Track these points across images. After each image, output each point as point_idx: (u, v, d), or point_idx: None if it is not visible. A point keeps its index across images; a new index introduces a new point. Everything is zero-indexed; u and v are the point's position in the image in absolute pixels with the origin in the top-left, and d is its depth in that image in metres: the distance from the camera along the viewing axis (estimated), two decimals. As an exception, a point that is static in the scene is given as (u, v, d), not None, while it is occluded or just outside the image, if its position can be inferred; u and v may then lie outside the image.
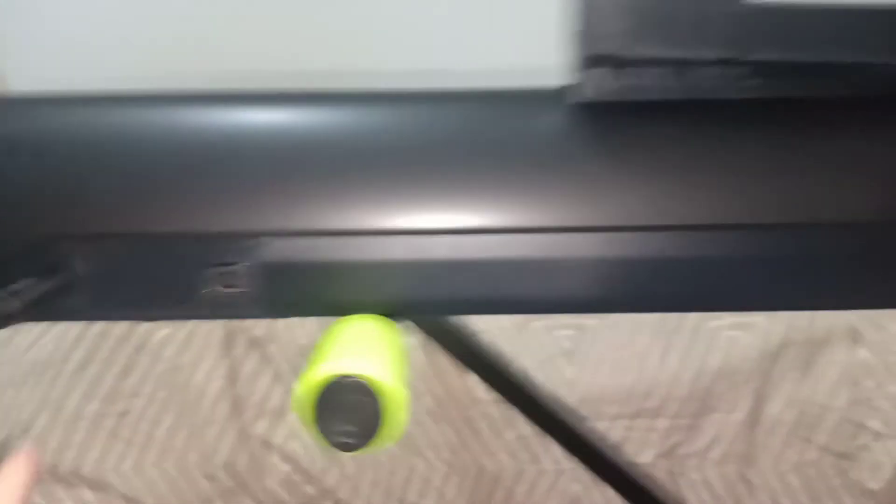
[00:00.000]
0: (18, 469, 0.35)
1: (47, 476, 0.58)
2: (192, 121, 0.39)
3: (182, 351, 0.59)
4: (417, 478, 0.62)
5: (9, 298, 0.36)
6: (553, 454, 0.61)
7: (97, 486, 0.59)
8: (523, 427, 0.60)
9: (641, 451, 0.60)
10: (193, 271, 0.40)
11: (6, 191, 0.37)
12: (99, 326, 0.58)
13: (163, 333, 0.59)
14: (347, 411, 0.36)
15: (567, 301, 0.41)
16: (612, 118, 0.37)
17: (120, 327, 0.58)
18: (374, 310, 0.42)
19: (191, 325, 0.59)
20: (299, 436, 0.60)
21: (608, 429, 0.60)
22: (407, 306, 0.41)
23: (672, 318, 0.60)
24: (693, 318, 0.60)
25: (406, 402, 0.38)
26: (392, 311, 0.42)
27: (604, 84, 0.35)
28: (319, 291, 0.40)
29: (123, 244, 0.40)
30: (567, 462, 0.61)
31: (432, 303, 0.41)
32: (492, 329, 0.58)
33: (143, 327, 0.59)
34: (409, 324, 0.46)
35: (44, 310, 0.39)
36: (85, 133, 0.38)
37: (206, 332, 0.59)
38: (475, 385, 0.60)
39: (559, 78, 0.37)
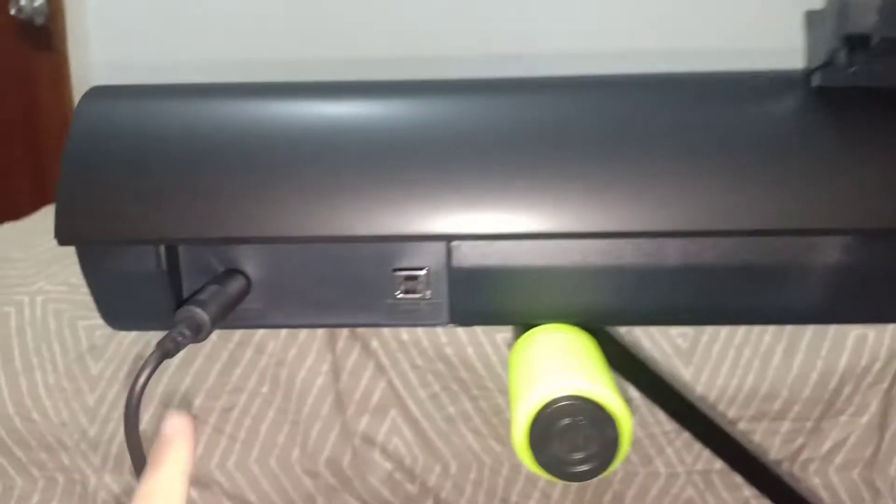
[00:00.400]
0: (180, 448, 0.36)
1: (152, 472, 0.58)
2: (358, 114, 0.37)
3: (286, 346, 0.58)
4: (522, 478, 0.60)
5: (198, 310, 0.36)
6: (666, 457, 0.58)
7: (200, 483, 0.58)
8: (635, 427, 0.58)
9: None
10: (376, 277, 0.40)
11: (184, 192, 0.36)
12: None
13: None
14: (578, 436, 0.34)
15: (798, 311, 0.38)
16: (865, 106, 0.34)
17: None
18: (567, 318, 0.40)
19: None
20: (402, 432, 0.59)
21: (726, 432, 0.58)
22: (606, 315, 0.39)
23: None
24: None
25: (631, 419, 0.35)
26: (587, 319, 0.40)
27: (857, 68, 0.32)
28: (510, 298, 0.39)
29: (303, 248, 0.39)
30: (681, 465, 0.58)
31: (636, 311, 0.39)
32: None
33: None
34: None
35: (228, 318, 0.39)
36: (258, 129, 0.37)
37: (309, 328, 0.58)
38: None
39: (796, 60, 0.34)
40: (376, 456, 0.59)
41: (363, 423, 0.58)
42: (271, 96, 0.37)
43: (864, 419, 0.57)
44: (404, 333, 0.59)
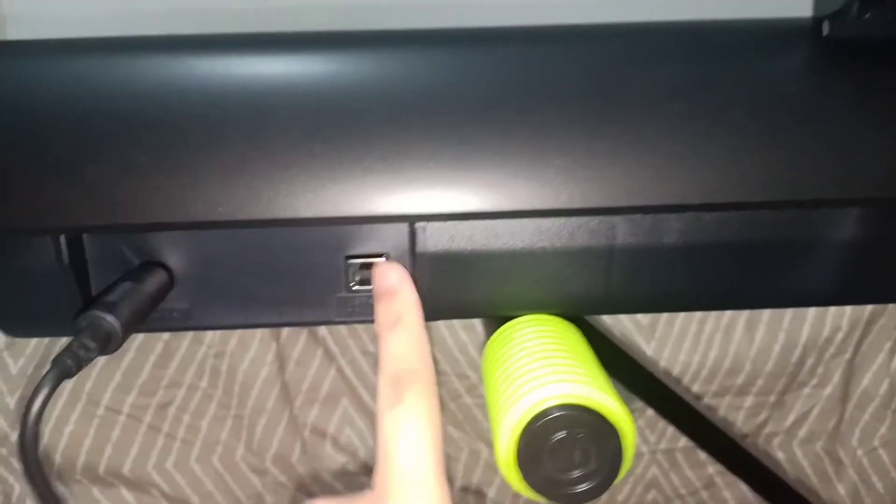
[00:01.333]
0: (411, 303, 0.33)
1: (82, 477, 0.53)
2: (300, 71, 0.31)
3: (225, 336, 0.54)
4: (482, 464, 0.57)
5: (106, 315, 0.30)
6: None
7: (138, 486, 0.54)
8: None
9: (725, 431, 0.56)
10: (326, 266, 0.34)
11: (88, 170, 0.30)
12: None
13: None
14: (575, 452, 0.29)
15: (808, 292, 0.35)
16: (881, 60, 0.30)
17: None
18: (550, 308, 0.35)
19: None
20: (354, 422, 0.55)
21: (689, 408, 0.56)
22: (594, 303, 0.35)
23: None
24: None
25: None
26: (574, 308, 0.35)
27: (872, 15, 0.29)
28: (484, 287, 0.34)
29: (235, 235, 0.33)
30: (644, 444, 0.57)
31: (627, 298, 0.34)
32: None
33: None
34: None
35: (145, 322, 0.33)
36: (179, 91, 0.30)
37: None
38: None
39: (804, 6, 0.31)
40: (328, 449, 0.55)
41: (312, 414, 0.55)
42: (197, 51, 0.30)
43: (827, 391, 0.56)
44: (354, 318, 0.55)
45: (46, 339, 0.53)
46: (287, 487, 0.55)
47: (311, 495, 0.56)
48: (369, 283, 0.34)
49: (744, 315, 0.55)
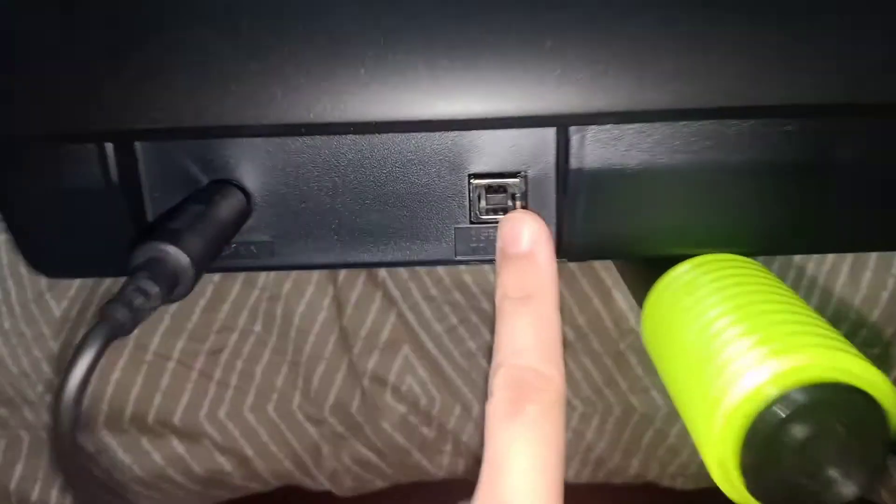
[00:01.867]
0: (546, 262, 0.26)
1: (130, 426, 0.50)
2: None
3: (280, 278, 0.50)
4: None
5: (170, 248, 0.23)
6: (715, 390, 0.52)
7: (188, 435, 0.51)
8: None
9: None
10: (442, 188, 0.27)
11: (142, 60, 0.23)
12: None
13: (255, 257, 0.49)
14: (827, 450, 0.21)
15: None
16: None
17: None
18: (741, 245, 0.28)
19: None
20: (416, 371, 0.51)
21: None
22: (801, 237, 0.27)
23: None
24: None
25: None
26: (773, 245, 0.28)
27: None
28: (659, 216, 0.27)
29: (331, 144, 0.27)
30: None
31: (850, 230, 0.27)
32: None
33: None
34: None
35: (218, 258, 0.27)
36: None
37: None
38: (626, 312, 0.50)
39: None
40: (388, 398, 0.52)
41: (372, 362, 0.51)
42: None
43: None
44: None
45: (91, 281, 0.49)
46: (345, 438, 0.52)
47: (370, 447, 0.52)
48: (500, 212, 0.28)
49: (848, 259, 0.49)
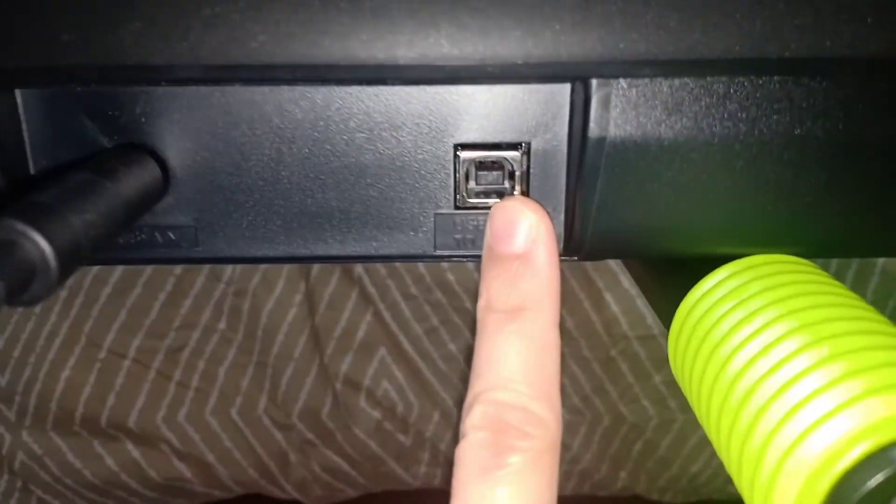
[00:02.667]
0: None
1: (81, 429, 0.46)
2: None
3: (247, 271, 0.46)
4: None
5: (25, 229, 0.16)
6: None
7: (145, 440, 0.47)
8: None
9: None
10: (422, 162, 0.21)
11: None
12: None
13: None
14: None
15: None
16: None
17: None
18: (786, 243, 0.22)
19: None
20: (392, 374, 0.48)
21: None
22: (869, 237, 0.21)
23: None
24: None
25: None
26: (832, 244, 0.22)
27: None
28: (703, 202, 0.20)
29: (278, 97, 0.20)
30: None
31: None
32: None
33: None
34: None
35: (114, 246, 0.21)
36: None
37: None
38: (618, 316, 0.47)
39: None
40: (362, 403, 0.48)
41: (345, 364, 0.48)
42: None
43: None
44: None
45: None
46: (315, 445, 0.48)
47: (342, 455, 0.49)
48: (494, 195, 0.22)
49: (854, 263, 0.47)
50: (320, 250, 0.22)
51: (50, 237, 0.16)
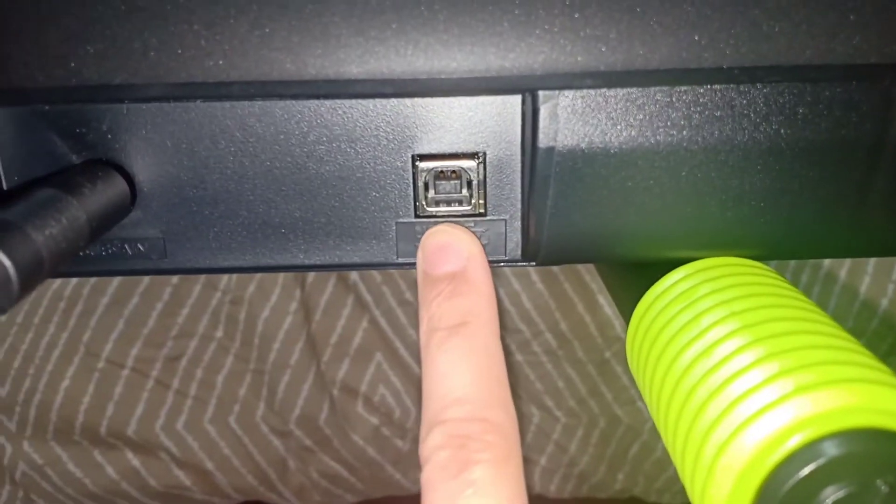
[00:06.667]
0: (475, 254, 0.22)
1: (81, 438, 0.47)
2: None
3: (243, 280, 0.46)
4: (533, 428, 0.50)
5: (25, 237, 0.17)
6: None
7: (144, 448, 0.47)
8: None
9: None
10: (381, 173, 0.21)
11: None
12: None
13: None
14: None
15: None
16: None
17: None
18: (737, 246, 0.22)
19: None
20: (389, 380, 0.48)
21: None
22: (842, 239, 0.22)
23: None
24: None
25: None
26: (781, 246, 0.22)
27: None
28: (657, 209, 0.21)
29: (241, 114, 0.21)
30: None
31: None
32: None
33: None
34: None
35: (78, 260, 0.22)
36: None
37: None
38: (612, 319, 0.48)
39: None
40: (359, 409, 0.49)
41: (342, 370, 0.48)
42: None
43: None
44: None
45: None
46: (313, 451, 0.49)
47: (340, 461, 0.49)
48: (453, 203, 0.22)
49: (846, 263, 0.47)
50: (285, 260, 0.23)
51: (10, 253, 0.16)
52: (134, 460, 0.47)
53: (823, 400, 0.16)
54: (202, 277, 0.46)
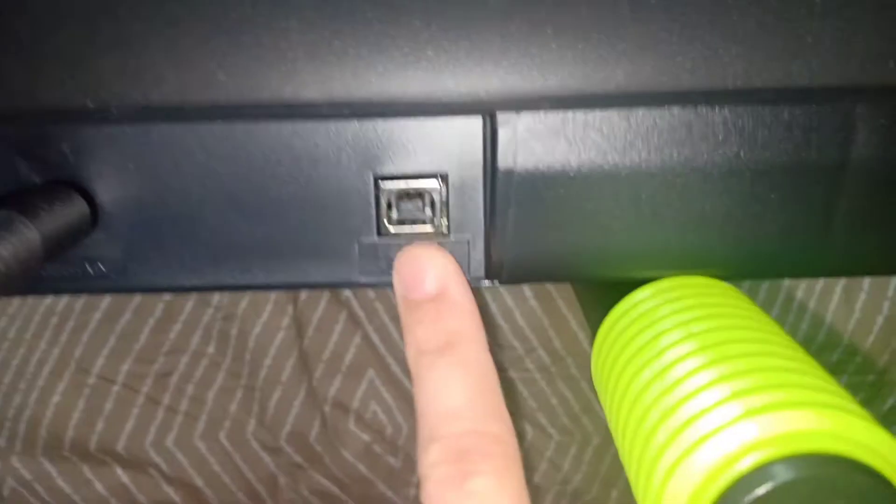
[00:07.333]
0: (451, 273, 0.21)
1: (71, 454, 0.47)
2: None
3: (235, 296, 0.46)
4: (526, 447, 0.50)
5: None
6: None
7: (133, 465, 0.47)
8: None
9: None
10: (344, 193, 0.21)
11: None
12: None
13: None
14: None
15: None
16: None
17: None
18: (709, 266, 0.22)
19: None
20: (381, 397, 0.48)
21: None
22: (808, 260, 0.22)
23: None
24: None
25: None
26: (745, 267, 0.22)
27: None
28: (614, 229, 0.21)
29: (200, 134, 0.21)
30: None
31: (853, 254, 0.22)
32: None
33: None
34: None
35: (34, 280, 0.22)
36: None
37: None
38: (605, 335, 0.47)
39: None
40: (351, 425, 0.48)
41: (334, 387, 0.48)
42: None
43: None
44: (382, 278, 0.48)
45: (30, 299, 0.46)
46: (304, 468, 0.49)
47: (331, 478, 0.49)
48: (416, 222, 0.22)
49: (841, 281, 0.46)
50: (247, 279, 0.23)
51: None
52: (123, 476, 0.47)
53: (777, 423, 0.16)
54: (194, 294, 0.46)
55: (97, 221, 0.22)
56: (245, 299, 0.46)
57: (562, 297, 0.48)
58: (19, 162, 0.22)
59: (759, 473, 0.15)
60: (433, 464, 0.18)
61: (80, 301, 0.45)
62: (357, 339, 0.48)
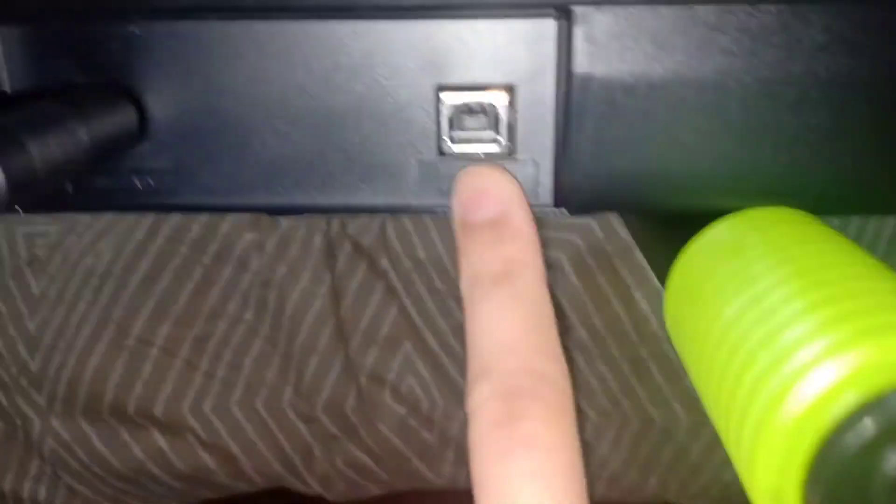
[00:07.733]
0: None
1: (109, 416, 0.47)
2: None
3: (273, 262, 0.46)
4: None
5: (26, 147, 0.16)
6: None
7: (171, 429, 0.47)
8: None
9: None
10: (401, 105, 0.20)
11: None
12: (171, 229, 0.45)
13: (248, 239, 0.46)
14: None
15: None
16: None
17: (197, 230, 0.45)
18: (792, 196, 0.20)
19: (285, 229, 0.46)
20: (417, 370, 0.48)
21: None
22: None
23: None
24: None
25: None
26: (841, 200, 0.20)
27: None
28: (703, 147, 0.19)
29: (245, 43, 0.20)
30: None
31: None
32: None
33: (224, 231, 0.46)
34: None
35: (79, 186, 0.21)
36: None
37: (303, 240, 0.46)
38: (648, 315, 0.46)
39: None
40: (386, 398, 0.48)
41: (370, 358, 0.47)
42: None
43: None
44: (421, 250, 0.47)
45: (72, 258, 0.46)
46: (339, 439, 0.48)
47: (365, 450, 0.49)
48: (477, 141, 0.20)
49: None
50: (300, 199, 0.22)
51: (3, 160, 0.16)
52: (160, 441, 0.47)
53: (889, 346, 0.14)
54: (233, 258, 0.46)
55: (146, 131, 0.21)
56: (283, 265, 0.46)
57: (603, 273, 0.47)
58: (67, 62, 0.21)
59: (874, 405, 0.14)
60: (482, 399, 0.17)
61: (120, 261, 0.45)
62: (393, 311, 0.47)
